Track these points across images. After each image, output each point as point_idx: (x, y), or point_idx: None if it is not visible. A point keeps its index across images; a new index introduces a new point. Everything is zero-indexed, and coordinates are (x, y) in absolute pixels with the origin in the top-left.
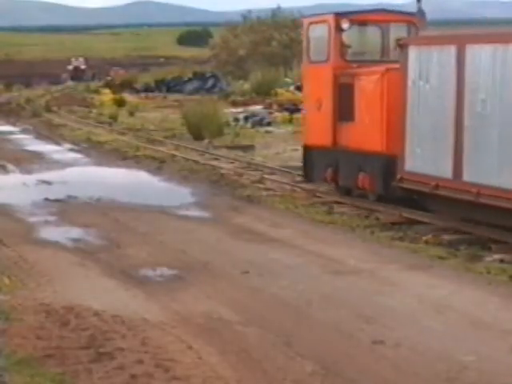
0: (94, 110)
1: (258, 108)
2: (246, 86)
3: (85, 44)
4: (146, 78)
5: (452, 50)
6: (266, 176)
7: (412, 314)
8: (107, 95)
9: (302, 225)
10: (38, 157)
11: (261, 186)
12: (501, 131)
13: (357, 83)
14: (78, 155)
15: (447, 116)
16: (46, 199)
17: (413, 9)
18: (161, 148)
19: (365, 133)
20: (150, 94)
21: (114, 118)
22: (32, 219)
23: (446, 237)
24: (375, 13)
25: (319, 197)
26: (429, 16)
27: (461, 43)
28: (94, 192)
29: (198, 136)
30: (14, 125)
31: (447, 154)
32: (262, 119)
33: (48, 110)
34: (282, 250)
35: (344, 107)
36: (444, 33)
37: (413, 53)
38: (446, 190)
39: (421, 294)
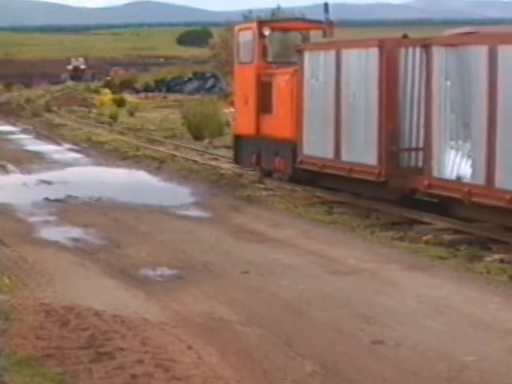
0: (94, 110)
1: None
2: None
3: (85, 44)
4: (146, 78)
5: (332, 53)
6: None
7: (412, 314)
8: (107, 95)
9: (302, 225)
10: (38, 157)
11: (261, 186)
12: (365, 118)
13: (274, 82)
14: (78, 155)
15: (330, 107)
16: (46, 199)
17: (413, 9)
18: (161, 148)
19: (279, 123)
20: (150, 94)
21: (113, 117)
22: (32, 219)
23: (446, 237)
24: (295, 21)
25: (319, 197)
26: (430, 16)
27: (338, 48)
28: (93, 192)
29: (198, 136)
30: (14, 125)
31: (330, 139)
32: None
33: (48, 109)
34: (282, 250)
35: (265, 102)
36: (328, 40)
37: (307, 56)
38: (330, 169)
39: (421, 294)
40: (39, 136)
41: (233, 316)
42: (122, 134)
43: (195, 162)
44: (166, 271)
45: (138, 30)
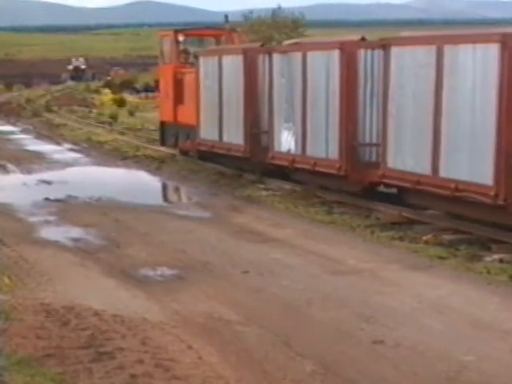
0: (94, 110)
1: None
2: None
3: (85, 44)
4: (146, 78)
5: (216, 59)
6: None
7: (412, 314)
8: (107, 95)
9: (302, 225)
10: (38, 157)
11: (261, 185)
12: (236, 108)
13: (185, 79)
14: (78, 155)
15: (215, 100)
16: (47, 199)
17: (413, 9)
18: (161, 148)
19: (188, 113)
20: (150, 94)
21: (114, 117)
22: (32, 219)
23: (446, 237)
24: (206, 29)
25: (319, 197)
26: (430, 17)
27: (220, 54)
28: (94, 192)
29: None
30: (14, 125)
31: (216, 125)
32: None
33: (48, 109)
34: (282, 250)
35: (179, 95)
36: (217, 48)
37: (201, 60)
38: (216, 148)
39: (421, 294)
40: (39, 136)
41: (233, 316)
42: (122, 133)
43: (195, 161)
44: (166, 271)
45: (138, 30)
